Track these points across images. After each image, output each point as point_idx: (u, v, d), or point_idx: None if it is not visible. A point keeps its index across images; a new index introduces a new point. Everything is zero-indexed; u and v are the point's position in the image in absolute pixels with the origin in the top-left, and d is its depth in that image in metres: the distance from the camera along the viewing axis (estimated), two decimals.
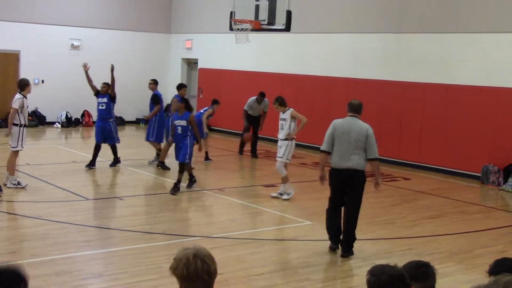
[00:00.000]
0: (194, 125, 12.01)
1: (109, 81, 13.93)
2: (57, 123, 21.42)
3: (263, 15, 14.21)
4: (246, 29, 14.44)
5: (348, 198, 8.46)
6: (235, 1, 14.76)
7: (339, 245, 8.53)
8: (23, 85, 11.82)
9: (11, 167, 11.63)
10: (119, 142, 14.23)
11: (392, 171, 15.32)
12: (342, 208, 8.60)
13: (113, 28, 22.68)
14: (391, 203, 12.02)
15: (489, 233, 10.13)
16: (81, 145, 19.32)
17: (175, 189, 11.81)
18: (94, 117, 21.02)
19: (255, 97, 16.52)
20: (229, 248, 8.72)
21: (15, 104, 11.51)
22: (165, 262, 7.83)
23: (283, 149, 11.72)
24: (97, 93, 14.08)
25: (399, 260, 8.15)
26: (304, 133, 15.15)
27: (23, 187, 11.60)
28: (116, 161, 14.24)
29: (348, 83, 17.34)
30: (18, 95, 11.69)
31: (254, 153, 16.61)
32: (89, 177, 13.36)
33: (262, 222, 10.45)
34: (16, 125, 11.55)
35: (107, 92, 13.96)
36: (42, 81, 20.76)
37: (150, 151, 15.22)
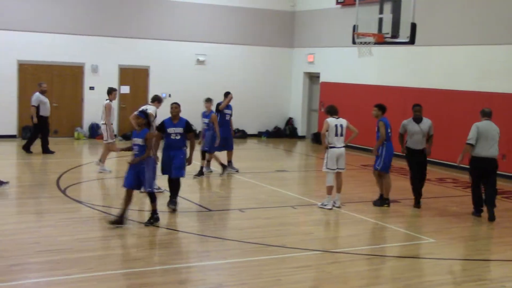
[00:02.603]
0: (150, 143, 9.89)
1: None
2: None
3: (387, 28, 13.98)
4: (369, 43, 14.27)
5: (488, 178, 11.33)
6: (358, 15, 14.66)
7: (481, 214, 11.48)
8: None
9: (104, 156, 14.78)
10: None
11: None
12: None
13: (236, 43, 23.20)
14: None
15: None
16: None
17: (151, 219, 10.13)
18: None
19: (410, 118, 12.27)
20: (350, 263, 8.60)
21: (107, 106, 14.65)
22: (284, 275, 7.85)
23: None
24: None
25: None
26: (437, 151, 14.44)
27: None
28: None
29: (473, 96, 16.69)
30: (106, 101, 14.66)
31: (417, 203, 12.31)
32: (211, 190, 13.70)
33: (384, 238, 10.24)
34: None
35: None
36: (169, 95, 21.56)
37: (272, 164, 15.24)
